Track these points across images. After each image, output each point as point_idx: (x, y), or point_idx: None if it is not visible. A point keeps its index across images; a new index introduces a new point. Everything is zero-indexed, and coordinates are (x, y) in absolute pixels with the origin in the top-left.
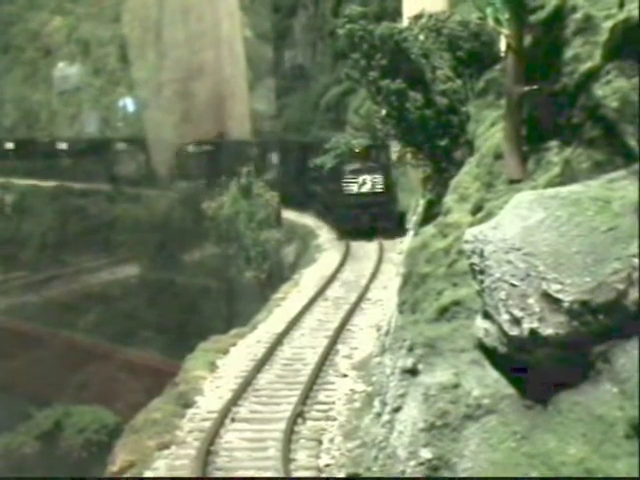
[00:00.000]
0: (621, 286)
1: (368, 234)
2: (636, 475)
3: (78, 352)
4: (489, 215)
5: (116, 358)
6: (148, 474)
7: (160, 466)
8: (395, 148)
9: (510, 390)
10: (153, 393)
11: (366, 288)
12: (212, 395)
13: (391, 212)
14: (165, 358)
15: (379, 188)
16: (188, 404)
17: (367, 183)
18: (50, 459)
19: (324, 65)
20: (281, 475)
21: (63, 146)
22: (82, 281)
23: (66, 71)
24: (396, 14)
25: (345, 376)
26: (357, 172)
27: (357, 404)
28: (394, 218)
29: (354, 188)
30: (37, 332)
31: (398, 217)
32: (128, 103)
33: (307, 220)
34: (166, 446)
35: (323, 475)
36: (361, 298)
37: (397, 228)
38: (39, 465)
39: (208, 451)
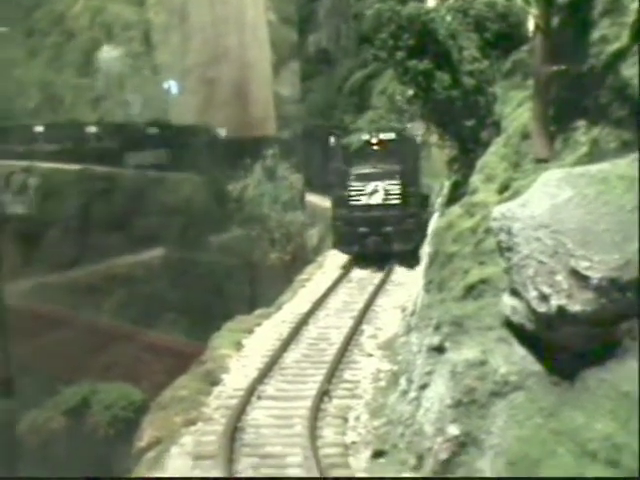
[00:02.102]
0: None
1: (377, 261)
2: None
3: (102, 333)
4: (516, 194)
5: (140, 340)
6: (175, 450)
7: (187, 442)
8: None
9: (537, 367)
10: (177, 375)
11: (389, 271)
12: (238, 373)
13: (411, 232)
14: (189, 340)
15: (395, 199)
16: (215, 382)
17: (379, 192)
18: (77, 435)
19: (348, 49)
20: (308, 451)
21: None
22: (106, 263)
23: (110, 54)
24: None
25: (370, 355)
26: (366, 177)
27: (383, 383)
28: (415, 240)
29: (361, 198)
30: (61, 314)
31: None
32: (172, 86)
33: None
34: (193, 422)
35: (350, 452)
36: (385, 281)
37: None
38: (66, 441)
39: (235, 427)
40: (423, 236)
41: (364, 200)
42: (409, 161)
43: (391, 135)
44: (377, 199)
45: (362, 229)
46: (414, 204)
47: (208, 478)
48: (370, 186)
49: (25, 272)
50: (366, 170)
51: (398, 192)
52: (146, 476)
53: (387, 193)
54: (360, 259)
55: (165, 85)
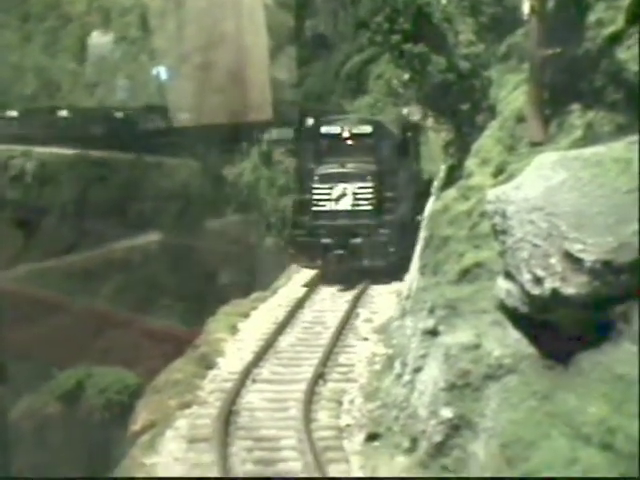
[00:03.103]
0: None
1: (346, 279)
2: None
3: (98, 318)
4: (511, 178)
5: (135, 324)
6: (169, 433)
7: (181, 425)
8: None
9: (531, 350)
10: (172, 359)
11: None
12: (233, 357)
13: (386, 246)
14: (185, 325)
15: (367, 205)
16: (209, 365)
17: (347, 196)
18: (72, 419)
19: (345, 34)
20: (302, 434)
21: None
22: (103, 248)
23: (100, 40)
24: None
25: (366, 339)
26: (332, 178)
27: (377, 366)
28: (392, 255)
29: (326, 204)
30: (57, 299)
31: (403, 254)
32: (161, 72)
33: None
34: (187, 406)
35: (344, 435)
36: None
37: (399, 271)
38: (61, 425)
39: (230, 411)
40: (406, 248)
41: (329, 206)
42: (387, 160)
43: (367, 129)
44: (345, 204)
45: (325, 240)
46: (391, 211)
47: (209, 478)
48: (337, 189)
49: (21, 257)
50: (333, 169)
51: (371, 197)
52: (148, 476)
53: (357, 198)
54: (326, 275)
55: (155, 71)
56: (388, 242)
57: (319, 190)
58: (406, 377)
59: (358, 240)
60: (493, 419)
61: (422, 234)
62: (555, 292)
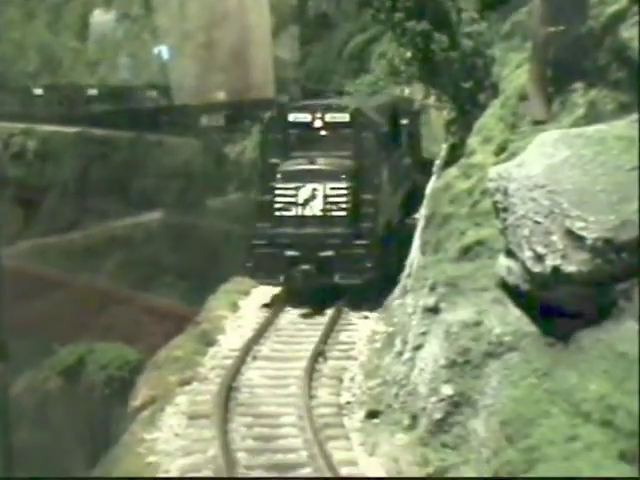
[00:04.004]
0: None
1: (316, 300)
2: None
3: (99, 295)
4: (513, 156)
5: (137, 302)
6: (170, 409)
7: (182, 401)
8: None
9: (532, 328)
10: (173, 336)
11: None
12: (234, 334)
13: (363, 260)
14: (186, 303)
15: (341, 210)
16: (210, 342)
17: (317, 199)
18: (73, 395)
19: (348, 13)
20: (302, 410)
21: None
22: (104, 226)
23: (102, 18)
24: None
25: (366, 318)
26: (299, 176)
27: (378, 344)
28: (370, 271)
29: (291, 208)
30: (59, 276)
31: (385, 270)
32: (163, 51)
33: None
34: (188, 382)
35: (344, 412)
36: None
37: (378, 292)
38: (62, 400)
39: (230, 387)
40: (389, 263)
41: (295, 210)
42: (368, 155)
43: (343, 117)
44: (314, 209)
45: (289, 252)
46: (370, 217)
47: (210, 478)
48: (305, 190)
49: (22, 234)
50: (300, 166)
51: (346, 200)
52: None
53: (329, 201)
54: (290, 295)
55: (157, 50)
56: (365, 255)
57: (283, 191)
58: (406, 355)
59: (329, 253)
60: (493, 396)
61: (423, 212)
62: (556, 270)
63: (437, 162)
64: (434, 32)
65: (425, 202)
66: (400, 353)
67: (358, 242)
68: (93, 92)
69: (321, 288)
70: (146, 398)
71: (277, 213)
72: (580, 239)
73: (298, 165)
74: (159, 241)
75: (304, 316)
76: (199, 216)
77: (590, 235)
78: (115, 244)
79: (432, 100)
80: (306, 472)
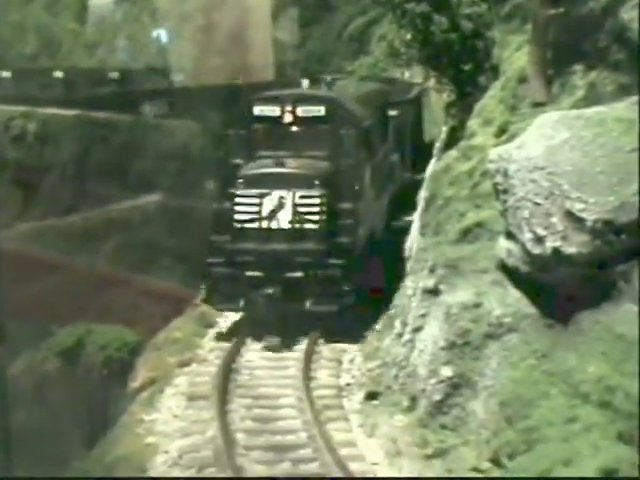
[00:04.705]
0: None
1: (283, 330)
2: None
3: (98, 278)
4: (513, 138)
5: (136, 285)
6: (169, 390)
7: (181, 382)
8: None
9: (531, 309)
10: (172, 319)
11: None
12: (234, 316)
13: (339, 282)
14: (185, 285)
15: (313, 222)
16: (209, 324)
17: (285, 209)
18: (71, 376)
19: None
20: (302, 392)
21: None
22: (103, 209)
23: (101, 0)
24: None
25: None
26: (264, 182)
27: (377, 326)
28: (348, 296)
29: (254, 219)
30: (57, 259)
31: (368, 291)
32: (162, 34)
33: None
34: (187, 364)
35: (343, 393)
36: None
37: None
38: (60, 382)
39: (229, 369)
40: (371, 284)
41: (258, 222)
42: (347, 156)
43: (318, 110)
44: (281, 221)
45: (252, 273)
46: (349, 231)
47: (212, 478)
48: (270, 198)
49: (21, 216)
50: (266, 169)
51: (319, 210)
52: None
53: (300, 211)
54: (254, 324)
55: (155, 33)
56: (342, 277)
57: (244, 199)
58: (406, 336)
59: (298, 273)
60: (493, 378)
61: (423, 194)
62: (556, 251)
63: (437, 145)
64: (434, 14)
65: (425, 184)
66: (400, 335)
67: (333, 261)
68: (114, 75)
69: (288, 316)
70: (145, 379)
71: (237, 225)
72: (580, 221)
73: (263, 168)
74: (157, 224)
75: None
76: (198, 199)
77: (590, 217)
78: (114, 227)
79: (432, 82)
80: (305, 453)
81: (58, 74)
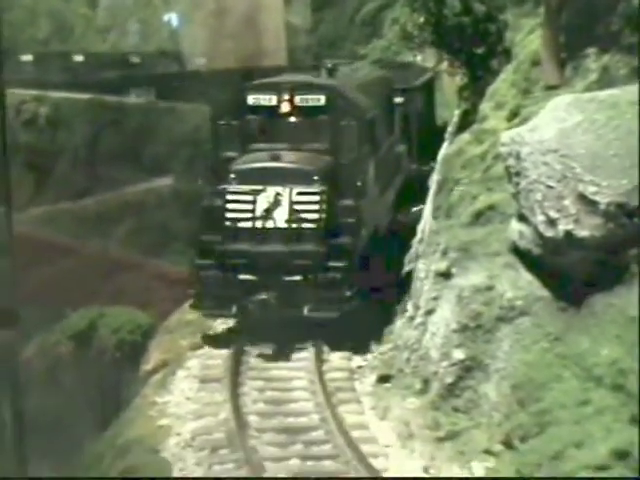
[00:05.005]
0: None
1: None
2: None
3: (111, 261)
4: (525, 121)
5: (148, 268)
6: (181, 373)
7: (193, 365)
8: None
9: (544, 292)
10: (184, 302)
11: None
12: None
13: (340, 286)
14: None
15: (312, 222)
16: None
17: (281, 207)
18: (84, 358)
19: None
20: (314, 375)
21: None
22: (115, 192)
23: None
24: None
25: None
26: (257, 176)
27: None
28: (350, 301)
29: (247, 218)
30: (70, 242)
31: (372, 294)
32: (173, 18)
33: None
34: (199, 346)
35: (355, 376)
36: None
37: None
38: (73, 364)
39: (242, 351)
40: (379, 282)
41: (252, 221)
42: (348, 149)
43: (319, 99)
44: (277, 220)
45: (244, 276)
46: (351, 230)
47: (215, 478)
48: (265, 195)
49: (33, 200)
50: (261, 163)
51: (319, 208)
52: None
53: (297, 209)
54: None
55: (167, 17)
56: (344, 281)
57: (237, 195)
58: (418, 319)
59: (296, 277)
60: (505, 360)
61: (435, 177)
62: (569, 234)
63: (449, 128)
64: None
65: (437, 167)
66: (412, 318)
67: (334, 264)
68: (135, 59)
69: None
70: (158, 362)
71: (229, 224)
72: (593, 204)
73: (257, 162)
74: (170, 207)
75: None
76: (209, 183)
77: (603, 200)
78: (127, 210)
79: (444, 66)
80: (317, 435)
81: (78, 58)
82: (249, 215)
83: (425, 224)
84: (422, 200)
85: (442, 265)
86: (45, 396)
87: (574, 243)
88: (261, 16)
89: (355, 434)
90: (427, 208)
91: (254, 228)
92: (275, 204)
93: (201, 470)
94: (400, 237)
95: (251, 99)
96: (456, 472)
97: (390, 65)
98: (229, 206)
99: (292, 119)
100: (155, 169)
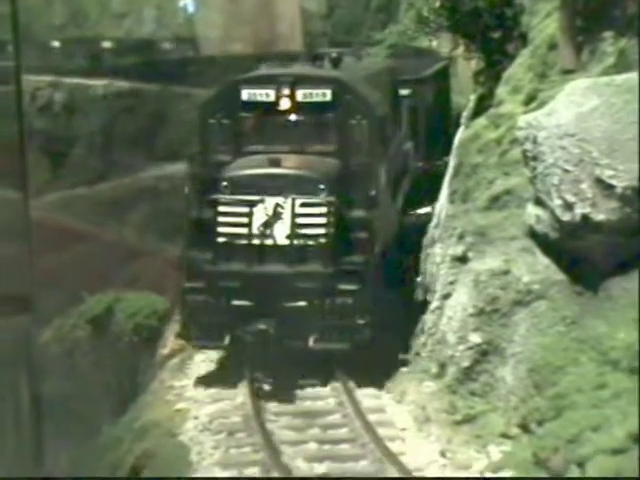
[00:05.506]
0: None
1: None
2: None
3: (126, 247)
4: (542, 105)
5: (163, 254)
6: (199, 357)
7: None
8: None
9: (560, 276)
10: None
11: None
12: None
13: (353, 313)
14: None
15: (319, 237)
16: None
17: (282, 220)
18: (101, 343)
19: None
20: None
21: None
22: (130, 178)
23: None
24: None
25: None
26: (253, 184)
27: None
28: (365, 330)
29: (242, 233)
30: (86, 228)
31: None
32: (188, 3)
33: None
34: None
35: None
36: None
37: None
38: (90, 349)
39: None
40: (393, 313)
41: (248, 237)
42: (359, 151)
43: (324, 93)
44: (278, 236)
45: (240, 302)
46: (364, 245)
47: (223, 478)
48: (264, 206)
49: (49, 186)
50: (258, 169)
51: (326, 222)
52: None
53: (301, 223)
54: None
55: (182, 2)
56: (357, 306)
57: (230, 207)
58: (435, 303)
59: (300, 303)
60: (521, 344)
61: (451, 162)
62: (585, 218)
63: (465, 113)
64: None
65: (453, 151)
66: (428, 302)
67: (344, 286)
68: (168, 46)
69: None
70: (175, 346)
71: (221, 240)
72: (609, 187)
73: (254, 167)
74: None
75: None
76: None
77: (619, 183)
78: (141, 196)
79: (461, 51)
80: (334, 418)
81: (107, 44)
82: (244, 230)
83: (441, 209)
84: (429, 201)
85: (458, 249)
86: (63, 380)
87: (591, 227)
88: (276, 1)
89: (372, 418)
90: (443, 193)
91: (250, 245)
92: (275, 217)
93: (218, 453)
94: (409, 248)
95: (246, 94)
96: (472, 456)
97: (402, 53)
98: (221, 219)
99: (293, 117)
100: (170, 155)
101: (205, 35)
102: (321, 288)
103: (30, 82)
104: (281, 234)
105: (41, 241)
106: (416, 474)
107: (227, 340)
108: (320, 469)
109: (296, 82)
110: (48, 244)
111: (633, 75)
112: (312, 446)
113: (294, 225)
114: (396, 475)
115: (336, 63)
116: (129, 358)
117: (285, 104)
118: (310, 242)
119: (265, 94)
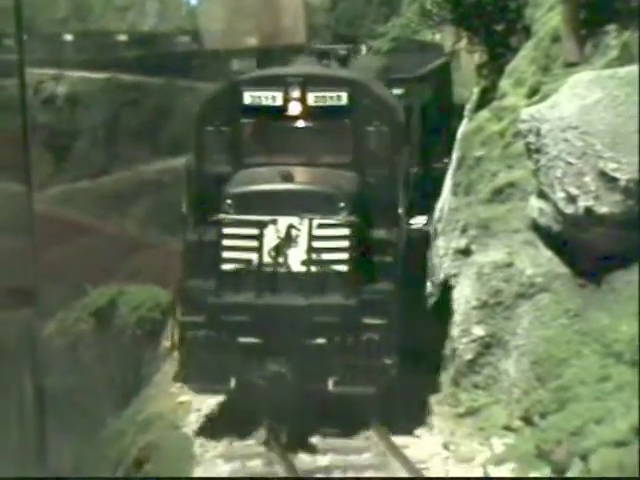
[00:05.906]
0: None
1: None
2: None
3: (129, 241)
4: (545, 98)
5: (166, 247)
6: None
7: None
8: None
9: (563, 269)
10: None
11: None
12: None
13: (380, 349)
14: None
15: (339, 262)
16: None
17: (295, 245)
18: (104, 336)
19: None
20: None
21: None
22: (133, 171)
23: None
24: None
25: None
26: (262, 202)
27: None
28: (391, 371)
29: (250, 259)
30: (89, 221)
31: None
32: None
33: None
34: None
35: None
36: None
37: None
38: (94, 341)
39: None
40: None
41: (257, 263)
42: (380, 163)
43: (339, 96)
44: (291, 262)
45: (247, 339)
46: (390, 271)
47: (224, 479)
48: (275, 229)
49: (52, 179)
50: (266, 185)
51: (347, 245)
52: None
53: (318, 247)
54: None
55: None
56: (382, 344)
57: (236, 229)
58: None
59: (318, 340)
60: (525, 337)
61: (454, 155)
62: (589, 211)
63: (468, 106)
64: None
65: (456, 144)
66: (430, 295)
67: (370, 320)
68: (184, 39)
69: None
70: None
71: (225, 267)
72: (613, 180)
73: (262, 183)
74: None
75: None
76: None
77: (623, 176)
78: (144, 189)
79: (464, 43)
80: None
81: (122, 37)
82: (253, 255)
83: (444, 201)
84: (423, 211)
85: (461, 242)
86: (66, 373)
87: (594, 219)
88: None
89: None
90: (446, 185)
91: (260, 273)
92: (288, 240)
93: (221, 446)
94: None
95: (248, 97)
96: (475, 448)
97: (404, 47)
98: (226, 243)
99: (303, 123)
100: (173, 148)
101: (208, 28)
102: (342, 323)
103: (33, 75)
104: (296, 260)
105: (44, 234)
106: (419, 467)
107: (233, 383)
108: (323, 461)
109: (306, 83)
110: (51, 237)
111: (636, 68)
112: (315, 438)
113: (311, 249)
114: (399, 467)
115: (344, 61)
116: (132, 351)
117: (294, 109)
118: (329, 269)
119: (271, 97)
